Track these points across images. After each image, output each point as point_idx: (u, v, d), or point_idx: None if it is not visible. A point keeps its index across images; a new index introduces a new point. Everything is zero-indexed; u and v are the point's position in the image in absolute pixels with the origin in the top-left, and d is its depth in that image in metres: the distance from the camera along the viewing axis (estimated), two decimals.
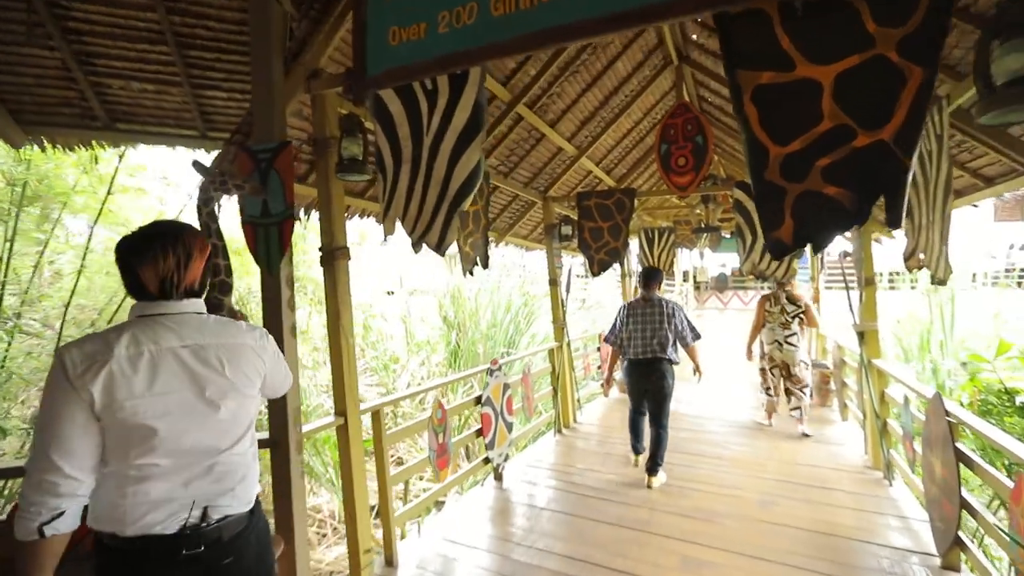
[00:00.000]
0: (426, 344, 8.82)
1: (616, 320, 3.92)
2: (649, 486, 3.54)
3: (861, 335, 3.88)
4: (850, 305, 3.95)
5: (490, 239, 5.33)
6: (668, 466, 3.90)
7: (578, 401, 5.40)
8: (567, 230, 5.15)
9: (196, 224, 1.86)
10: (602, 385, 6.36)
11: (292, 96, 2.42)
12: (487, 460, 3.64)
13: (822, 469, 3.87)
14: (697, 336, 3.78)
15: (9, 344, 3.44)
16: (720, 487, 3.58)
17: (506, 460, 3.83)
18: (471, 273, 3.54)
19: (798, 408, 4.61)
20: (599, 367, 6.43)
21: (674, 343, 3.67)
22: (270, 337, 1.37)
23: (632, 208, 4.72)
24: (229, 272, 1.96)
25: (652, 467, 3.58)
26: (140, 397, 1.09)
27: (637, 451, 3.95)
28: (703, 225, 6.55)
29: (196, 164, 1.92)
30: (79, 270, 3.64)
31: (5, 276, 3.20)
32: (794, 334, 4.59)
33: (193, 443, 1.15)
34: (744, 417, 5.37)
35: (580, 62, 3.92)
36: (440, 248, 2.00)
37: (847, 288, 3.99)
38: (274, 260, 2.04)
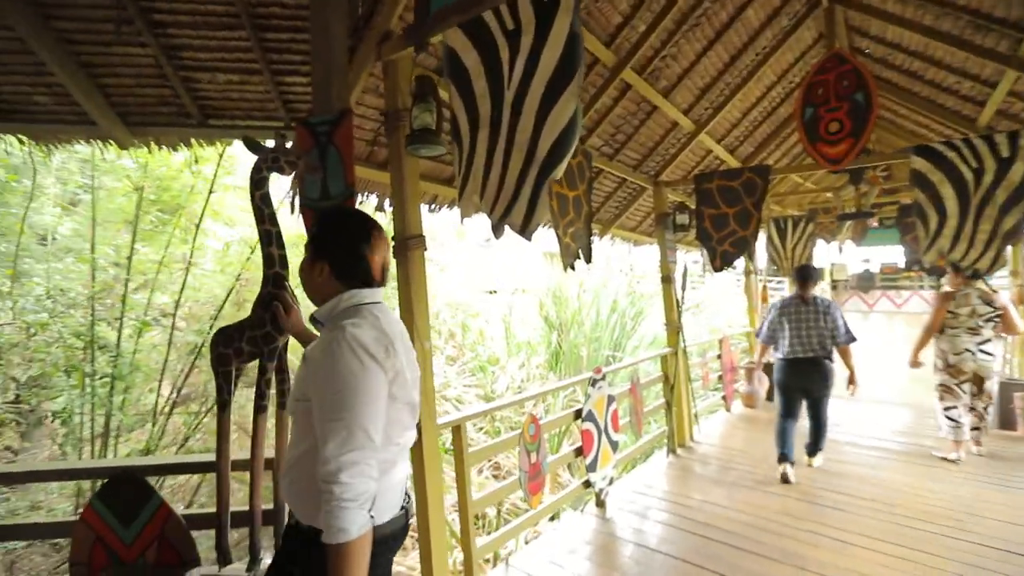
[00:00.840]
0: (526, 345, 8.49)
1: (767, 319, 3.82)
2: (810, 465, 3.72)
3: None
4: None
5: (593, 231, 4.80)
6: (819, 509, 3.12)
7: (695, 416, 4.66)
8: (683, 219, 4.45)
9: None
10: (723, 398, 5.52)
11: (364, 66, 2.15)
12: (587, 483, 3.14)
13: None
14: (852, 338, 3.55)
15: (138, 338, 3.72)
16: (898, 548, 2.70)
17: (610, 484, 3.30)
18: (572, 267, 3.08)
19: (978, 428, 3.95)
20: (720, 376, 5.58)
21: (832, 341, 3.53)
22: None
23: (765, 190, 3.92)
24: (285, 263, 1.72)
25: (812, 450, 3.74)
26: (414, 376, 1.18)
27: (786, 458, 3.61)
28: (856, 210, 5.37)
29: (247, 141, 1.69)
30: (187, 267, 3.88)
31: (129, 274, 3.47)
32: (988, 340, 3.76)
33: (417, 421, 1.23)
34: (912, 447, 4.25)
35: (701, 12, 3.26)
36: (526, 231, 1.57)
37: None
38: None
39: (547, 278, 9.47)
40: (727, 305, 11.73)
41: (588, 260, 3.19)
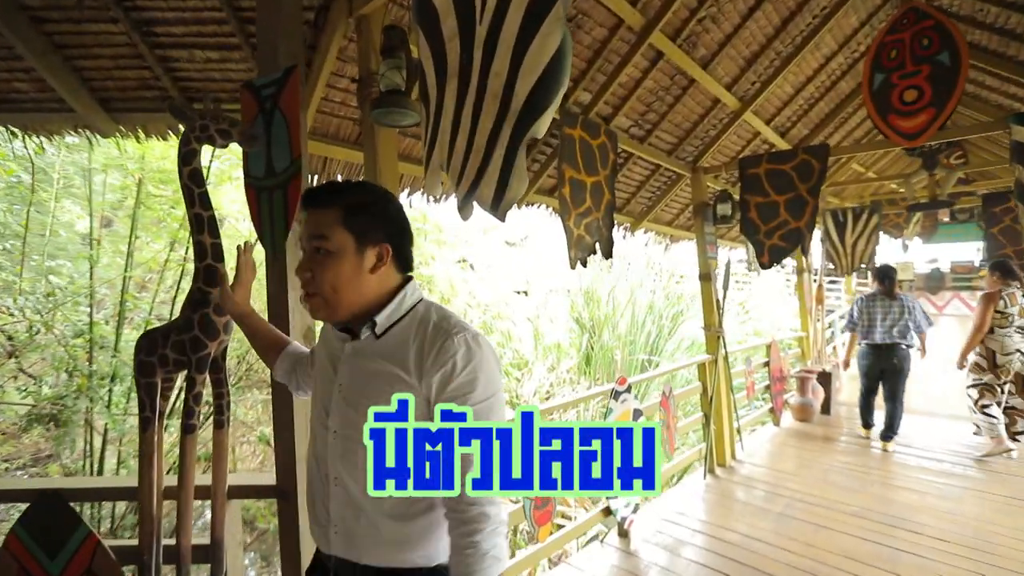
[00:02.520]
0: (556, 348, 8.09)
1: (854, 309, 4.37)
2: (885, 449, 4.17)
3: None
4: None
5: (618, 224, 4.36)
6: (889, 553, 2.61)
7: (738, 431, 4.14)
8: (724, 209, 3.95)
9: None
10: (771, 410, 4.95)
11: (338, 27, 1.86)
12: (608, 511, 2.73)
13: None
14: (930, 324, 4.22)
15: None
16: None
17: (635, 511, 2.87)
18: (583, 263, 2.68)
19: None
20: (767, 387, 5.01)
21: (912, 331, 4.10)
22: None
23: (823, 174, 3.41)
24: (219, 255, 1.42)
25: (888, 435, 4.19)
26: None
27: (869, 425, 4.42)
28: (933, 198, 4.67)
29: (171, 106, 1.41)
30: (183, 266, 3.74)
31: (127, 271, 3.35)
32: None
33: None
34: (1002, 475, 3.60)
35: None
36: (498, 207, 1.20)
37: None
38: (278, 236, 1.45)
39: (580, 278, 9.02)
40: (775, 307, 10.90)
41: (608, 256, 2.79)
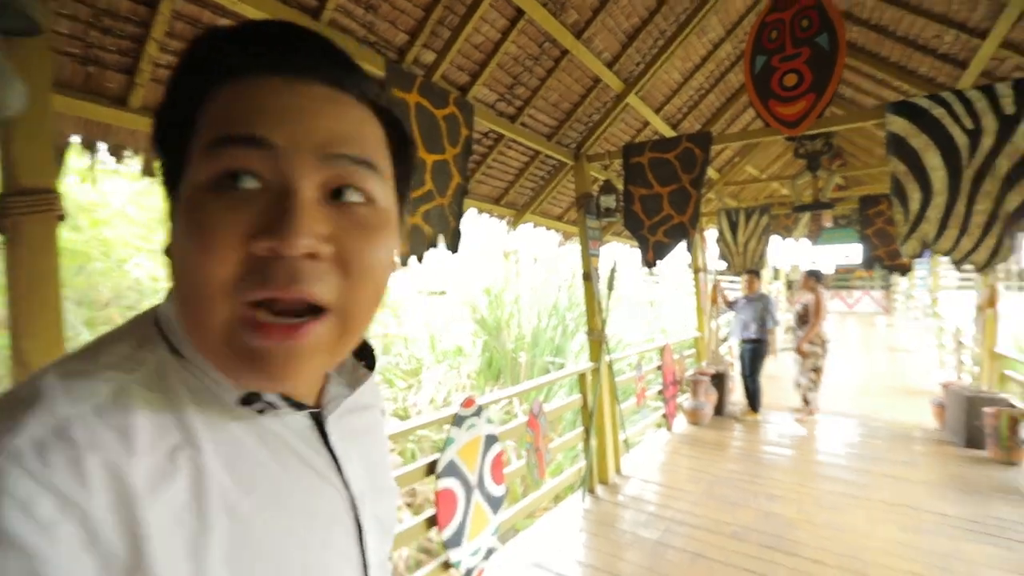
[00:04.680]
0: (457, 352, 7.56)
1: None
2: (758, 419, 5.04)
3: None
4: None
5: (498, 217, 3.89)
6: (738, 573, 2.32)
7: (624, 443, 3.83)
8: (608, 202, 3.60)
9: None
10: (664, 416, 4.73)
11: None
12: (448, 565, 2.21)
13: None
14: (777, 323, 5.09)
15: None
16: None
17: (488, 556, 2.39)
18: (419, 259, 2.17)
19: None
20: (660, 391, 4.78)
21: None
22: None
23: (706, 163, 3.15)
24: None
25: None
26: None
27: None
28: (816, 200, 4.67)
29: None
30: None
31: None
32: None
33: None
34: (875, 475, 3.55)
35: None
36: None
37: None
38: None
39: (487, 277, 8.57)
40: (683, 306, 11.10)
41: (453, 250, 2.30)
